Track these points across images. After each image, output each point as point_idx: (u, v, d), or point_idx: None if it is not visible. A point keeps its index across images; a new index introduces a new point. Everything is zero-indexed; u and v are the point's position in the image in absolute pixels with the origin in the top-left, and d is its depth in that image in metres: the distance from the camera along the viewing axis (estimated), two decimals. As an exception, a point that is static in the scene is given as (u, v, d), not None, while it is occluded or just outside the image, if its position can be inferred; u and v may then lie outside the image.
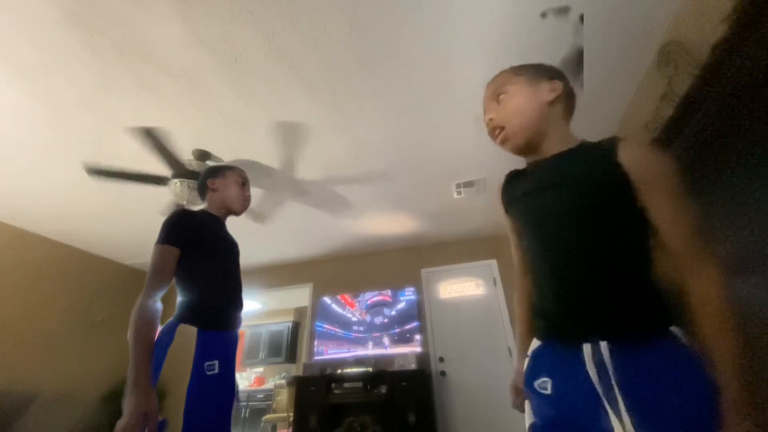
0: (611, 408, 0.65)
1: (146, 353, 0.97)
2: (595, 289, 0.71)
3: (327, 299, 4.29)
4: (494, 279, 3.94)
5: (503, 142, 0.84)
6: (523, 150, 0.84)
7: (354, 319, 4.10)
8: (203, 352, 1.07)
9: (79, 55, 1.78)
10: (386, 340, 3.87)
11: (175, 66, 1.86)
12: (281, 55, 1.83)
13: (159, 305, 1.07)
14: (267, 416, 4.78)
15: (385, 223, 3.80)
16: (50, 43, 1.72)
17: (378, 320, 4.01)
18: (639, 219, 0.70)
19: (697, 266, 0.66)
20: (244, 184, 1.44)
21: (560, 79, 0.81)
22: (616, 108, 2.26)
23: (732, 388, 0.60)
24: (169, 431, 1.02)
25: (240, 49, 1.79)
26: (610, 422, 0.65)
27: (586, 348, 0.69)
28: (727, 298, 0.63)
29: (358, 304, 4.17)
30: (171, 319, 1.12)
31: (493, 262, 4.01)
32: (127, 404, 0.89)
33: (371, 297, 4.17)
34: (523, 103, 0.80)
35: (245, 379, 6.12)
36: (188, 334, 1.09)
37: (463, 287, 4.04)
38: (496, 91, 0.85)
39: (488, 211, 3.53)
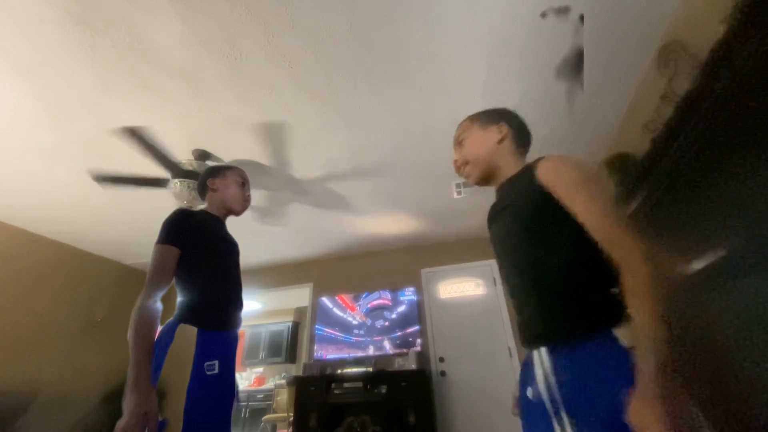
0: (554, 413, 0.70)
1: (146, 353, 0.97)
2: (537, 298, 0.79)
3: (327, 302, 4.27)
4: (494, 279, 3.94)
5: (466, 177, 1.02)
6: (482, 181, 1.01)
7: (354, 322, 4.09)
8: (203, 352, 1.07)
9: (79, 55, 1.78)
10: (387, 345, 3.86)
11: (175, 66, 1.86)
12: (281, 55, 1.83)
13: (159, 305, 1.07)
14: (267, 416, 4.78)
15: (385, 223, 3.80)
16: (50, 43, 1.72)
17: (379, 323, 4.00)
18: (572, 229, 0.74)
19: (618, 241, 0.68)
20: (244, 184, 1.44)
21: (506, 121, 0.98)
22: (616, 108, 2.26)
23: (648, 353, 0.60)
24: (169, 431, 1.02)
25: (240, 49, 1.79)
26: (553, 426, 0.70)
27: (536, 354, 0.77)
28: (649, 269, 0.64)
29: (358, 307, 4.16)
30: (171, 319, 1.12)
31: (493, 262, 4.00)
32: (127, 404, 0.89)
33: (371, 301, 4.15)
34: (477, 145, 0.98)
35: (245, 379, 6.12)
36: (188, 334, 1.09)
37: (463, 287, 4.04)
38: (458, 138, 1.04)
39: (488, 211, 3.53)
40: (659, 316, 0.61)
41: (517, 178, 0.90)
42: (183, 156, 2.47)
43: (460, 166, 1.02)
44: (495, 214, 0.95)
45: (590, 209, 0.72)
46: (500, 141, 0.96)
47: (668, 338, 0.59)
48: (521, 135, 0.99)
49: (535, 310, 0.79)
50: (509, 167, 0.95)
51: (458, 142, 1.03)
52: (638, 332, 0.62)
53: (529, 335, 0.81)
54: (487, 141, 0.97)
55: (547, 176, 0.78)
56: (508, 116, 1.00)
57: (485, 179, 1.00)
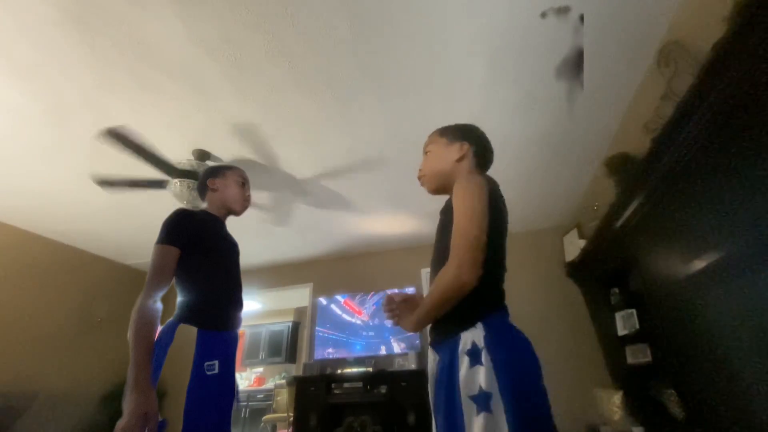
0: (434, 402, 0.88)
1: (146, 353, 0.97)
2: None
3: (335, 308, 4.22)
4: (494, 279, 3.92)
5: (423, 185, 1.11)
6: (433, 192, 1.10)
7: (362, 324, 4.06)
8: (203, 352, 1.07)
9: (79, 55, 1.78)
10: (396, 347, 3.81)
11: (175, 66, 1.86)
12: (281, 55, 1.83)
13: (159, 305, 1.07)
14: (267, 416, 4.78)
15: (385, 223, 3.80)
16: (50, 43, 1.72)
17: (388, 322, 3.97)
18: None
19: (456, 249, 0.82)
20: (244, 184, 1.44)
21: (468, 141, 1.04)
22: (616, 108, 2.26)
23: (420, 309, 0.89)
24: (169, 431, 1.02)
25: (240, 49, 1.79)
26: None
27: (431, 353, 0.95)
28: (445, 284, 0.81)
29: (365, 310, 4.13)
30: (171, 319, 1.12)
31: (493, 262, 3.99)
32: (127, 404, 0.89)
33: (377, 300, 4.14)
34: (437, 159, 1.06)
35: (245, 379, 6.13)
36: (188, 334, 1.09)
37: (462, 287, 4.01)
38: (425, 147, 1.11)
39: (488, 211, 3.52)
40: (435, 302, 0.84)
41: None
42: (183, 156, 2.47)
43: (419, 177, 1.11)
44: (440, 212, 1.02)
45: (457, 223, 0.85)
46: (459, 159, 1.02)
47: (427, 316, 0.88)
48: (481, 156, 1.05)
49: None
50: None
51: (425, 152, 1.11)
52: (425, 300, 0.88)
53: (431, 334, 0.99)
54: (448, 158, 1.04)
55: (453, 196, 0.90)
56: (473, 136, 1.06)
57: (439, 191, 1.08)
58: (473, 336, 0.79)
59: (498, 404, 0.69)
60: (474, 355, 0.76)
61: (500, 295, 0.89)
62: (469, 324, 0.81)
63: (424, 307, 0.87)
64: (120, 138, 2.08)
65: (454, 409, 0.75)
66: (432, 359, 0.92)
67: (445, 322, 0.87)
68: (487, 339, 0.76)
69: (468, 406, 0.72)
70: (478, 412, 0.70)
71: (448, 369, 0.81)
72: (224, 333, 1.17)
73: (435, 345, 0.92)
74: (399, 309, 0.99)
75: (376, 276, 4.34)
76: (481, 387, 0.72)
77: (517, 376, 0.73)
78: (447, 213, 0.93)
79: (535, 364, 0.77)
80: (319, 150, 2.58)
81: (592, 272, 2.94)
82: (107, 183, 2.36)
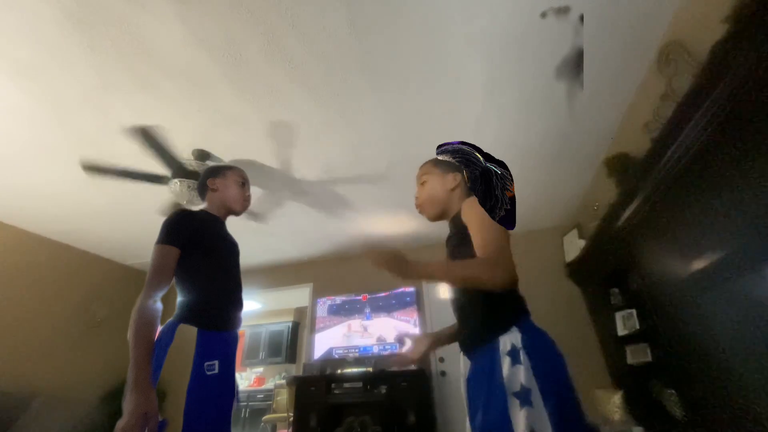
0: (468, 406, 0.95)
1: (146, 353, 0.97)
2: (462, 313, 1.03)
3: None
4: (494, 279, 3.93)
5: (421, 213, 1.22)
6: (433, 218, 1.20)
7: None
8: (203, 352, 1.07)
9: (79, 55, 1.78)
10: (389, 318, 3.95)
11: (175, 66, 1.86)
12: (281, 55, 1.83)
13: (159, 305, 1.07)
14: (267, 416, 4.79)
15: (385, 223, 3.80)
16: (50, 43, 1.72)
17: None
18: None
19: (483, 251, 0.89)
20: (244, 184, 1.44)
21: (460, 173, 1.15)
22: (616, 108, 2.26)
23: (429, 266, 0.89)
24: (169, 431, 1.02)
25: (240, 49, 1.79)
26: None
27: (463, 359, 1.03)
28: (480, 274, 0.86)
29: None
30: (171, 319, 1.12)
31: (493, 262, 4.00)
32: (127, 404, 0.89)
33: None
34: (434, 188, 1.16)
35: (245, 379, 6.13)
36: (188, 334, 1.09)
37: (463, 287, 4.04)
38: (420, 177, 1.21)
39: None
40: (454, 275, 0.92)
41: (457, 215, 1.09)
42: (183, 156, 2.47)
43: (417, 205, 1.21)
44: (446, 242, 1.15)
45: (477, 235, 0.93)
46: (453, 189, 1.14)
47: (441, 277, 0.94)
48: (473, 183, 1.18)
49: (462, 321, 1.04)
50: (457, 208, 1.11)
51: (420, 182, 1.20)
52: (447, 264, 0.95)
53: (460, 342, 1.05)
54: (442, 187, 1.15)
55: (464, 215, 1.00)
56: (461, 169, 1.17)
57: (437, 218, 1.19)
58: (511, 339, 0.87)
59: (537, 397, 0.77)
60: (514, 356, 0.84)
61: (524, 300, 0.99)
62: (504, 329, 0.89)
63: (443, 269, 0.91)
64: (148, 137, 2.10)
65: (499, 405, 0.82)
66: (463, 364, 1.02)
67: (480, 329, 0.95)
68: (524, 340, 0.85)
69: (513, 403, 0.79)
70: (521, 407, 0.77)
71: (489, 370, 0.87)
72: (224, 333, 1.17)
73: (468, 352, 1.00)
74: (388, 255, 0.94)
75: (376, 276, 4.29)
76: (521, 384, 0.80)
77: (551, 370, 0.83)
78: (458, 236, 1.03)
79: (562, 359, 0.87)
80: (319, 150, 2.57)
81: (592, 272, 2.94)
82: (96, 169, 2.34)
